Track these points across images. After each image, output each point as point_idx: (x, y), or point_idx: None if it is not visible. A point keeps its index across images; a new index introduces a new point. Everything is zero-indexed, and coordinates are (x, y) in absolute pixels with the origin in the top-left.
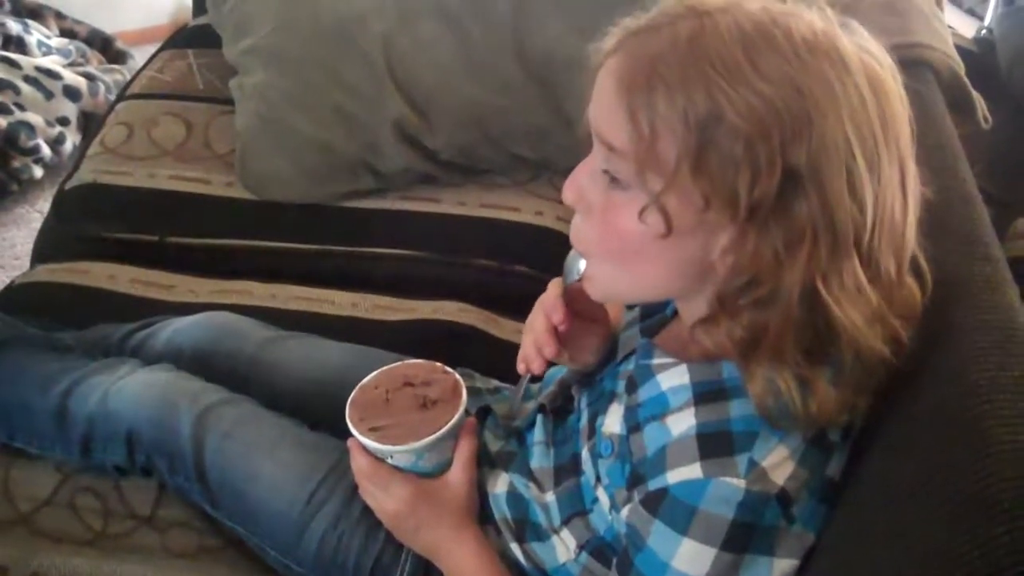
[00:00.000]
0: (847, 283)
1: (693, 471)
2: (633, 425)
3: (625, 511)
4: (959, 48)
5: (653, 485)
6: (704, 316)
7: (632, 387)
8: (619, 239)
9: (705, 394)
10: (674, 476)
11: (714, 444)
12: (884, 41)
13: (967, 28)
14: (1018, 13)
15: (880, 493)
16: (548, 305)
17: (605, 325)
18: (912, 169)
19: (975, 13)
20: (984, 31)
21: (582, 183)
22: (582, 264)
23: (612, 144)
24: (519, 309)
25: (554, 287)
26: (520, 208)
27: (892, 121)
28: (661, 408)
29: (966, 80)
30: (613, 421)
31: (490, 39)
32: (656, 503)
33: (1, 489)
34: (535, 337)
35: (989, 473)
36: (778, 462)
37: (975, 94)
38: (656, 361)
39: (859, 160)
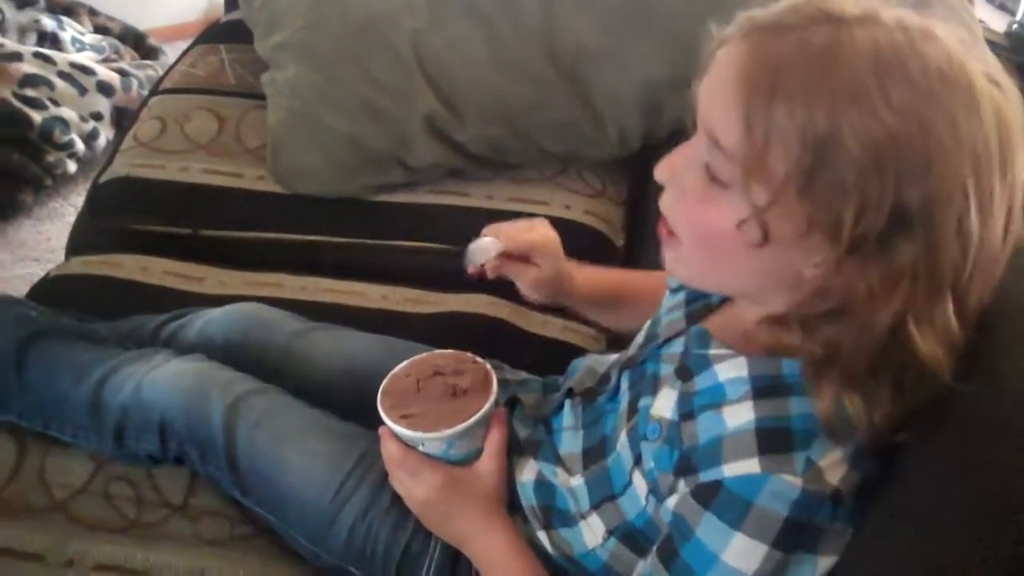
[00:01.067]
0: (937, 322)
1: (751, 466)
2: (686, 412)
3: (673, 501)
4: (990, 43)
5: (706, 476)
6: (773, 316)
7: (688, 375)
8: (711, 236)
9: (764, 388)
10: (730, 469)
11: (773, 440)
12: None
13: (999, 23)
14: None
15: (912, 488)
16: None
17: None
18: (1019, 205)
19: (1006, 8)
20: (1016, 26)
21: (679, 164)
22: (490, 249)
23: (719, 140)
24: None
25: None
26: (549, 202)
27: (1012, 160)
28: (717, 398)
29: None
30: (664, 405)
31: (520, 35)
32: (709, 495)
33: (37, 477)
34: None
35: (1020, 468)
36: (833, 463)
37: None
38: (713, 351)
39: (972, 205)
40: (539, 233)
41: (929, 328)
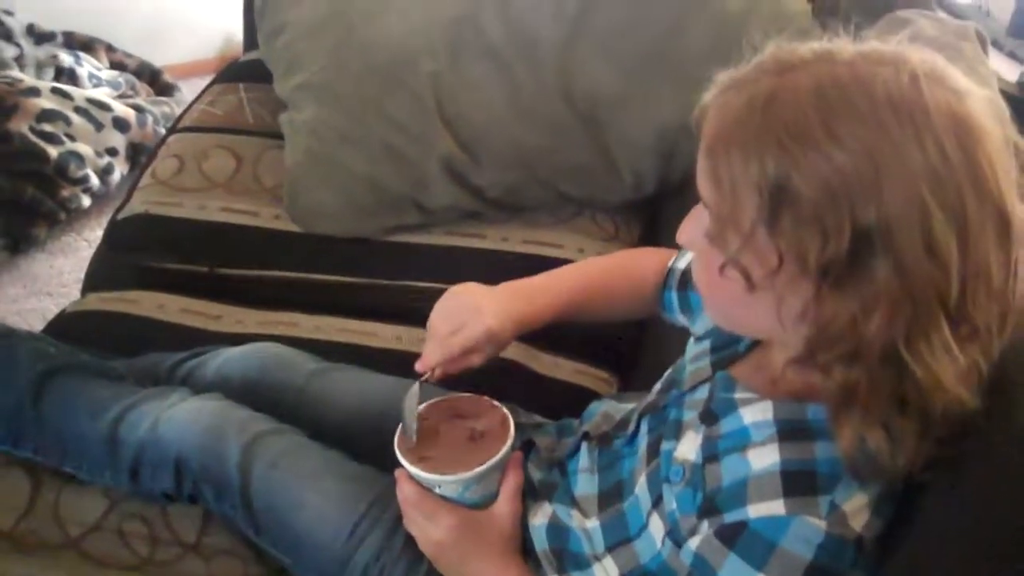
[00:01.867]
0: (935, 345)
1: (776, 507)
2: (711, 455)
3: (695, 541)
4: (1002, 92)
5: (731, 518)
6: (796, 357)
7: (713, 419)
8: (715, 286)
9: (789, 432)
10: (755, 510)
11: (798, 482)
12: None
13: (1010, 71)
14: None
15: (930, 533)
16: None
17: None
18: (1018, 213)
19: (1016, 56)
20: None
21: (691, 227)
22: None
23: (704, 199)
24: (559, 345)
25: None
26: (563, 245)
27: (985, 172)
28: (742, 441)
29: (1011, 124)
30: (688, 449)
31: (537, 80)
32: (734, 536)
33: (51, 513)
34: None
35: None
36: (858, 509)
37: (1018, 139)
38: (739, 395)
39: (937, 222)
40: (464, 337)
41: (927, 350)
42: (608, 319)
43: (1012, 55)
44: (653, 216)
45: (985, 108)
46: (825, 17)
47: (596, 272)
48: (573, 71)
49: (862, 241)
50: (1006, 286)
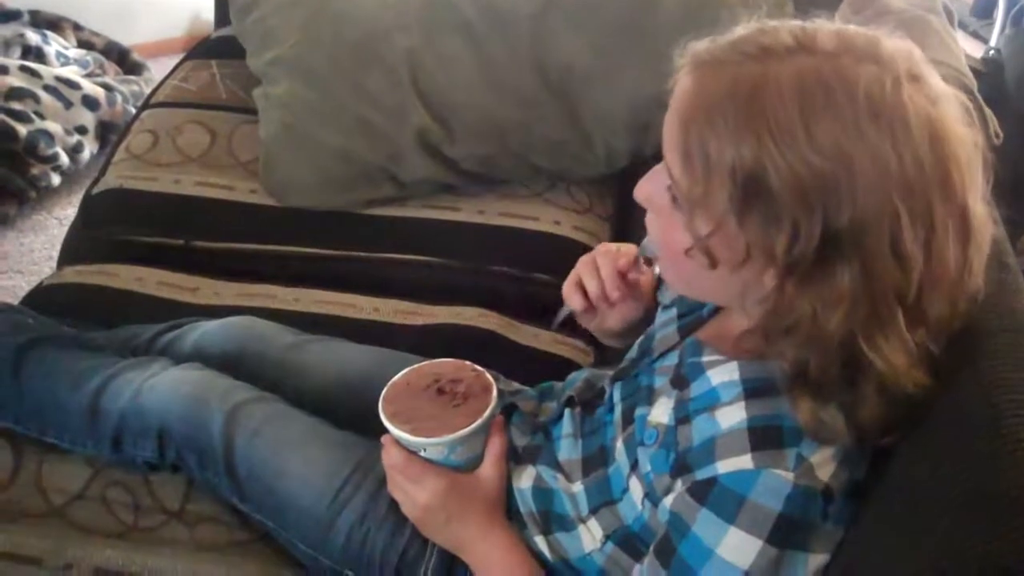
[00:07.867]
0: (891, 337)
1: (744, 462)
2: (683, 417)
3: (669, 499)
4: (969, 67)
5: (701, 475)
6: (751, 329)
7: (683, 383)
8: (676, 254)
9: (755, 390)
10: (724, 466)
11: (765, 437)
12: None
13: (973, 50)
14: None
15: (901, 488)
16: (622, 251)
17: (643, 302)
18: (978, 211)
19: (979, 36)
20: (992, 51)
21: (651, 188)
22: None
23: (672, 172)
24: (537, 315)
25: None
26: (539, 217)
27: (953, 176)
28: (711, 401)
29: (978, 96)
30: (661, 412)
31: (511, 55)
32: (705, 492)
33: (34, 483)
34: (603, 279)
35: (1005, 468)
36: (824, 460)
37: (987, 110)
38: (706, 358)
39: (906, 227)
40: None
41: (883, 342)
42: None
43: (976, 34)
44: (627, 189)
45: (957, 112)
46: None
47: None
48: (546, 45)
49: (831, 243)
50: (960, 280)
